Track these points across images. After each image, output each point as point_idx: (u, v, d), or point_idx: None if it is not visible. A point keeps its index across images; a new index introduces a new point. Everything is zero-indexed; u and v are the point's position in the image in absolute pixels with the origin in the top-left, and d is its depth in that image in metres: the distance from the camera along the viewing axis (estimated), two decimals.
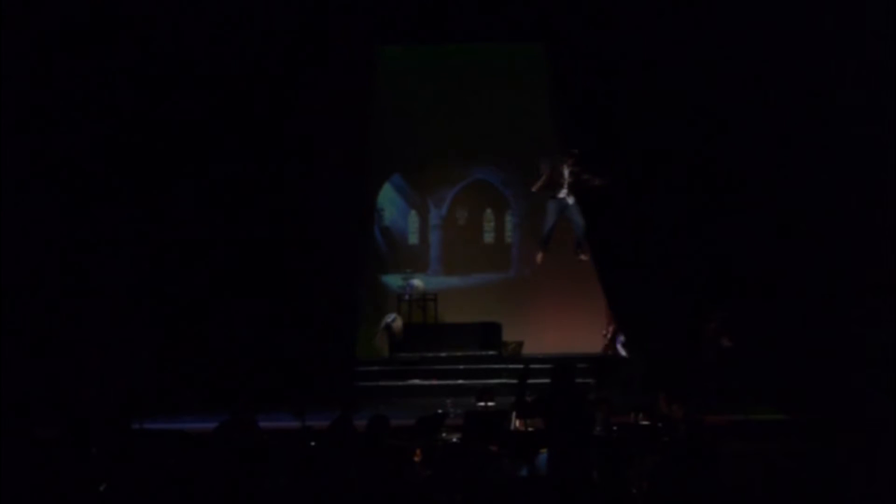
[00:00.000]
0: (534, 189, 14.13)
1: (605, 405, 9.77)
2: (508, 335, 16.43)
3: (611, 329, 15.80)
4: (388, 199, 18.22)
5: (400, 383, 15.08)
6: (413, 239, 18.42)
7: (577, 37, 14.56)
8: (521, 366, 14.76)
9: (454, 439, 9.47)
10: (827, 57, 13.43)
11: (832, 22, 13.28)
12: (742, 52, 13.74)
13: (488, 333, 16.24)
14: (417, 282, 17.38)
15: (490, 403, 11.02)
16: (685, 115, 13.97)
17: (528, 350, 16.41)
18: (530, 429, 9.56)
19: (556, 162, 13.68)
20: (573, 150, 13.62)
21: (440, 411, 11.39)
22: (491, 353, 16.01)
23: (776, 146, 13.73)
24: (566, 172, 13.59)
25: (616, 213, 14.37)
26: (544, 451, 8.21)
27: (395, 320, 16.46)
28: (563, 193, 13.63)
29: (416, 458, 7.84)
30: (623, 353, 15.31)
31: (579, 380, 13.23)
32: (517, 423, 9.85)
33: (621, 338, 15.38)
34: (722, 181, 13.95)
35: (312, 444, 8.53)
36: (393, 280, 17.57)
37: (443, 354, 15.93)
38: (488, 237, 18.55)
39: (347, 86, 14.67)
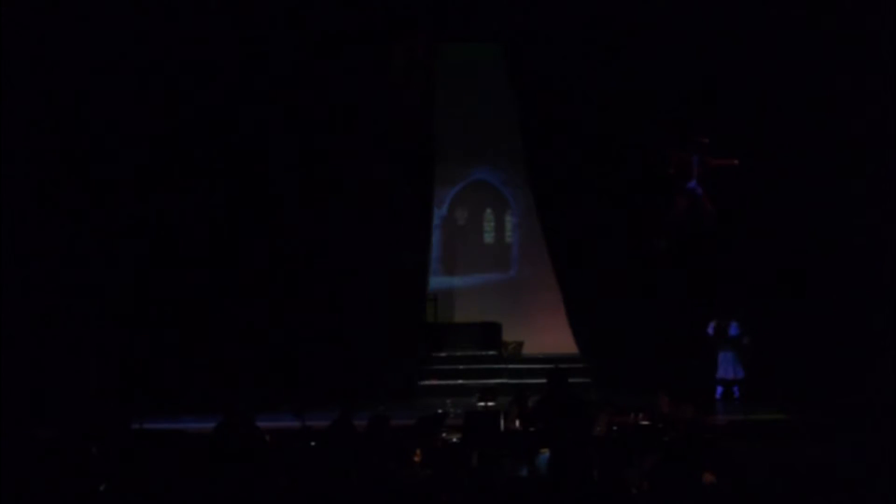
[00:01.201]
0: (671, 172, 13.14)
1: (608, 407, 9.77)
2: (508, 335, 16.44)
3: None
4: None
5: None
6: None
7: (537, 36, 14.68)
8: (520, 366, 14.87)
9: (454, 439, 9.47)
10: (816, 55, 13.45)
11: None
12: (728, 50, 13.76)
13: (488, 333, 16.24)
14: None
15: (490, 403, 11.04)
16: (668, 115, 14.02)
17: (528, 350, 16.41)
18: (530, 429, 9.58)
19: (684, 152, 13.00)
20: (703, 139, 12.94)
21: (440, 411, 11.40)
22: (491, 353, 16.01)
23: (760, 144, 13.70)
24: (696, 161, 12.90)
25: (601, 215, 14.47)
26: (544, 451, 8.20)
27: None
28: (692, 184, 12.94)
29: (416, 458, 7.83)
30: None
31: (578, 380, 13.44)
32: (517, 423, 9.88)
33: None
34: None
35: (312, 444, 8.53)
36: None
37: (443, 354, 15.92)
38: (488, 237, 18.55)
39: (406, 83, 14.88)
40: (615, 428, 9.57)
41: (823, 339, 13.18)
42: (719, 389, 13.62)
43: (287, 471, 6.83)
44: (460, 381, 14.89)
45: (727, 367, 13.61)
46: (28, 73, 13.19)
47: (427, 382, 15.11)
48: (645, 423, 9.68)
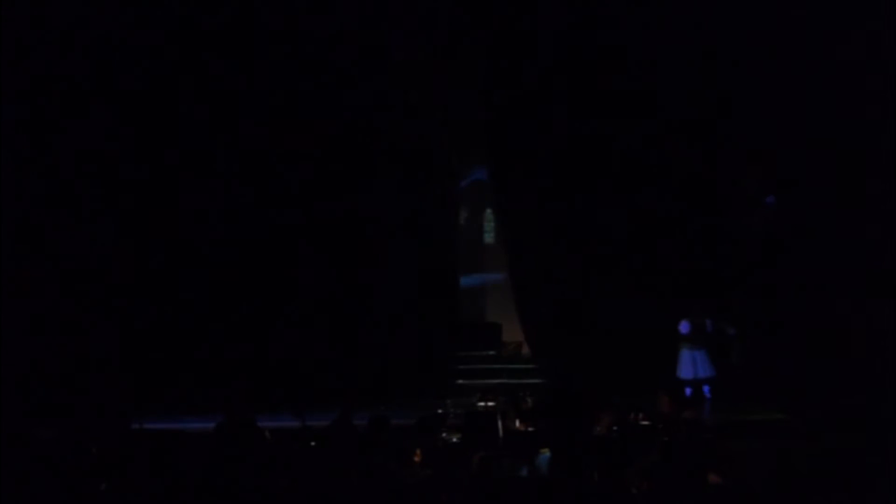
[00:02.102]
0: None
1: (610, 408, 9.77)
2: (508, 335, 16.42)
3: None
4: None
5: None
6: None
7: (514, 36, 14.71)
8: (520, 366, 14.86)
9: (454, 439, 9.48)
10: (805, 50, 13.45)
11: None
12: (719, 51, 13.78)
13: (488, 333, 16.22)
14: None
15: (490, 403, 11.04)
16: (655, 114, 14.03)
17: (527, 350, 16.38)
18: (530, 429, 9.59)
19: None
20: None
21: (440, 411, 11.41)
22: (491, 353, 16.00)
23: (749, 143, 13.71)
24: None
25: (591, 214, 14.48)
26: (544, 451, 8.21)
27: None
28: (771, 198, 13.05)
29: (416, 458, 7.84)
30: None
31: None
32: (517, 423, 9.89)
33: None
34: (694, 179, 13.93)
35: (312, 444, 8.54)
36: None
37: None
38: (488, 237, 18.54)
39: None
40: (615, 428, 9.57)
41: (823, 339, 13.17)
42: (706, 389, 13.52)
43: (287, 471, 6.85)
44: (460, 381, 14.89)
45: (690, 366, 13.40)
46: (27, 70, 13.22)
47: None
48: (645, 423, 9.68)
